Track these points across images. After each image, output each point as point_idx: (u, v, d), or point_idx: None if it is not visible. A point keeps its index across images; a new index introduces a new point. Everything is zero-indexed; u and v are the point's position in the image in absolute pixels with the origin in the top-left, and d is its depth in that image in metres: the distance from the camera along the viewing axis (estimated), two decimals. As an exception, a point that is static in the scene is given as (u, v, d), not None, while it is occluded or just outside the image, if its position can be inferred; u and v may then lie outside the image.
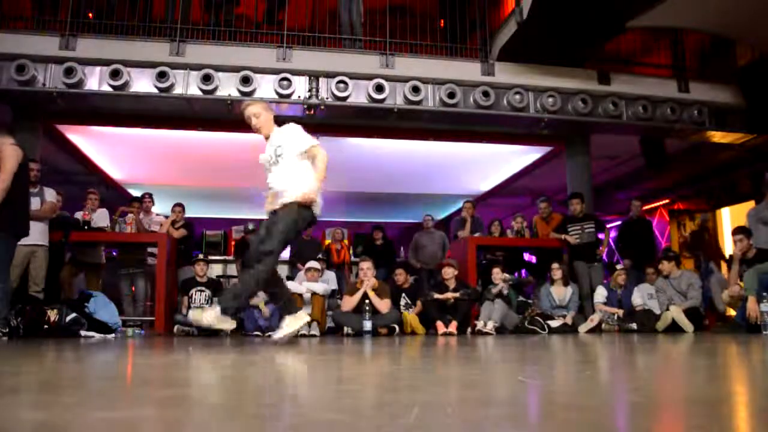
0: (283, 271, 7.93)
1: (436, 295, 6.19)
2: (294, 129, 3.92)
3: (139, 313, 6.82)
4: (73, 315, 5.16)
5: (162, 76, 6.58)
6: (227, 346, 4.18)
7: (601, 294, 6.59)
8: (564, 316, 6.36)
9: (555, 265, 6.62)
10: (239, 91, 6.72)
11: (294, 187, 3.71)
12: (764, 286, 5.30)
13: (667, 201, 11.18)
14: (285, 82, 6.82)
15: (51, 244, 5.87)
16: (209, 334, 5.96)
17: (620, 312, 6.42)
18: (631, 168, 9.75)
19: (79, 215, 6.53)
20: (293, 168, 3.79)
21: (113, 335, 5.34)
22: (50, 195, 5.87)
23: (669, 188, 10.82)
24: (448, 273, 6.31)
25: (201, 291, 6.28)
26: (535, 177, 9.98)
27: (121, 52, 6.65)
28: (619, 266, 6.91)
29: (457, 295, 6.13)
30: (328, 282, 6.47)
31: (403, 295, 6.76)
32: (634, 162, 9.25)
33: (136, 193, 9.37)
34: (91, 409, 1.26)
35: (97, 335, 5.10)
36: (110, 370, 2.44)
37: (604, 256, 7.84)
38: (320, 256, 7.19)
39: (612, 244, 12.36)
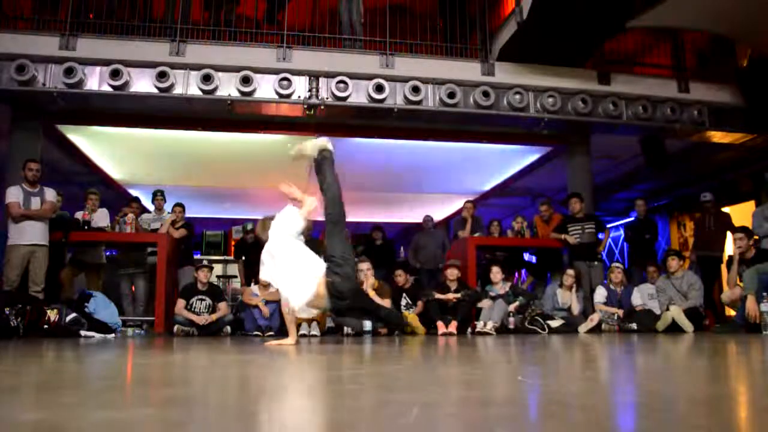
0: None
1: (438, 295, 6.19)
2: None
3: (139, 313, 6.82)
4: (73, 315, 5.16)
5: (162, 76, 6.57)
6: (227, 346, 4.18)
7: (600, 294, 6.59)
8: (564, 318, 6.36)
9: (570, 272, 6.59)
10: (239, 91, 6.72)
11: None
12: (764, 286, 5.30)
13: (667, 201, 11.18)
14: (285, 82, 6.81)
15: (51, 244, 5.87)
16: (209, 333, 5.97)
17: (620, 312, 6.42)
18: (631, 168, 9.74)
19: (79, 215, 6.52)
20: None
21: (113, 335, 5.34)
22: (50, 195, 5.87)
23: (669, 188, 10.81)
24: (453, 274, 6.31)
25: (201, 300, 6.22)
26: (535, 177, 9.96)
27: (121, 52, 6.65)
28: (615, 264, 6.91)
29: (458, 295, 6.14)
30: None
31: (404, 295, 6.76)
32: (634, 162, 9.24)
33: (136, 193, 9.37)
34: (91, 409, 1.26)
35: (97, 335, 5.10)
36: (110, 370, 2.44)
37: (604, 256, 7.83)
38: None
39: (612, 243, 12.40)
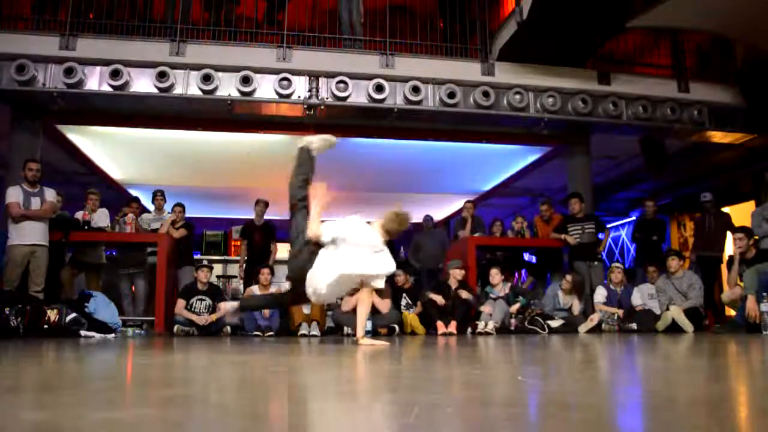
0: (282, 270, 7.88)
1: (431, 296, 6.18)
2: None
3: (139, 313, 6.82)
4: (73, 315, 5.16)
5: (162, 76, 6.57)
6: (227, 346, 4.18)
7: (600, 294, 6.58)
8: (565, 318, 6.36)
9: (568, 278, 6.58)
10: (239, 91, 6.72)
11: None
12: (764, 286, 5.30)
13: (667, 201, 11.17)
14: (285, 82, 6.81)
15: (51, 244, 5.87)
16: (209, 334, 5.97)
17: (620, 312, 6.42)
18: (631, 168, 9.74)
19: (79, 215, 6.52)
20: None
21: (113, 335, 5.34)
22: (50, 195, 5.87)
23: (669, 188, 10.81)
24: (460, 275, 6.31)
25: (201, 300, 6.22)
26: (535, 177, 9.96)
27: (121, 52, 6.65)
28: (615, 264, 6.90)
29: (456, 294, 6.13)
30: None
31: (404, 295, 6.75)
32: (634, 162, 9.25)
33: (136, 193, 9.37)
34: (91, 409, 1.26)
35: (97, 335, 5.10)
36: (110, 370, 2.44)
37: (604, 256, 7.83)
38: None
39: (612, 243, 12.40)
